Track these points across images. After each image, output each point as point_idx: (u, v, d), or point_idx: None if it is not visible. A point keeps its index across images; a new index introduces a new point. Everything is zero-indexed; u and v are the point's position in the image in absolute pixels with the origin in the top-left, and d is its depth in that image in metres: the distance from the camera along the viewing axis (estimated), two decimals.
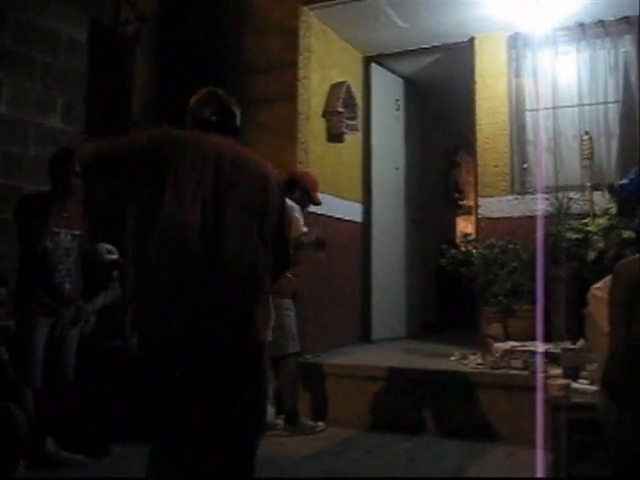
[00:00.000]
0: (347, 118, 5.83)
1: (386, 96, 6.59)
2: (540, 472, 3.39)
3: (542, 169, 5.50)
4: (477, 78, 5.80)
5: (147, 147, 2.31)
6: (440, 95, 7.23)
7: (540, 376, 3.98)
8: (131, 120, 5.18)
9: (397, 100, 6.78)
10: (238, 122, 2.60)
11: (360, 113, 6.14)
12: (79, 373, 3.95)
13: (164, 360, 2.19)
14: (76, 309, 3.93)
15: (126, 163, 2.32)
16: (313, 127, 5.56)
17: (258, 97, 5.35)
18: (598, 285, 2.95)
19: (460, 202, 9.14)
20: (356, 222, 6.16)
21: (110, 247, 4.45)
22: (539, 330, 4.74)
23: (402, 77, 6.85)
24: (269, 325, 2.64)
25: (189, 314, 2.17)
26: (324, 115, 5.76)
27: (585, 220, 4.96)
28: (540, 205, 5.17)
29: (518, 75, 5.71)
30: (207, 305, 2.19)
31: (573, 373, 3.62)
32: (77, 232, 3.93)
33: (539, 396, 3.51)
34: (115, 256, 4.45)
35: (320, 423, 4.60)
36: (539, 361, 4.26)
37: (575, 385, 3.45)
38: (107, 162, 2.33)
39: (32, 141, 4.82)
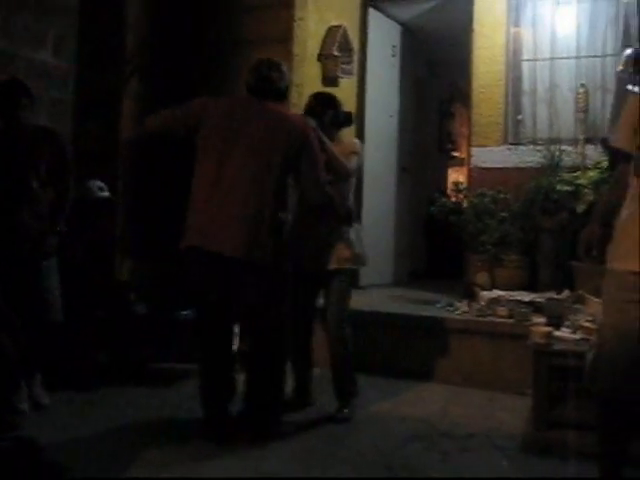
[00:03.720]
0: (343, 62, 5.75)
1: (383, 42, 6.49)
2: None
3: (536, 120, 5.49)
4: (475, 26, 5.69)
5: (184, 117, 3.27)
6: (437, 44, 7.14)
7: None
8: (124, 55, 5.10)
9: (394, 46, 6.67)
10: (280, 85, 3.29)
11: (356, 58, 6.05)
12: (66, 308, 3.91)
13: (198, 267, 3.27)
14: (34, 243, 3.72)
15: (176, 130, 3.32)
16: (308, 70, 5.49)
17: (253, 38, 5.26)
18: None
19: (452, 153, 9.11)
20: None
21: (101, 184, 4.44)
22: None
23: (400, 23, 6.72)
24: (273, 251, 3.20)
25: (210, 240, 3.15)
26: (319, 58, 5.68)
27: (576, 173, 4.96)
28: (532, 157, 5.17)
29: (517, 24, 5.61)
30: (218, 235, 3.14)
31: (556, 322, 3.69)
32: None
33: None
34: (106, 193, 4.44)
35: None
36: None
37: (557, 333, 3.52)
38: (164, 128, 3.36)
39: (22, 75, 4.70)
